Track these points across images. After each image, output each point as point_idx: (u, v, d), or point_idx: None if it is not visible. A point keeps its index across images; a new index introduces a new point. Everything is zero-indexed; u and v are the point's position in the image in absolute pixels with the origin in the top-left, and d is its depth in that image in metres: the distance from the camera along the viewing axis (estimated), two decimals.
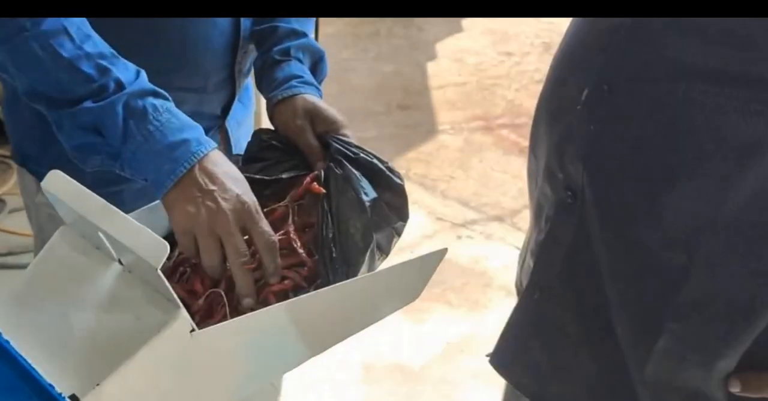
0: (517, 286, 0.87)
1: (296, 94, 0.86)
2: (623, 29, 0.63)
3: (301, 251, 0.76)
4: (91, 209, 0.65)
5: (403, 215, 0.83)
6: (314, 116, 0.86)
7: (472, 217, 2.46)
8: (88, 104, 0.73)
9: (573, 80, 0.69)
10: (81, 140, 0.75)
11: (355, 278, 0.77)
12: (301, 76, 0.89)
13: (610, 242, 0.67)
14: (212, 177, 0.72)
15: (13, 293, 0.70)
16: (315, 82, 0.91)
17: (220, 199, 0.71)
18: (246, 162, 0.86)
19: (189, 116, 0.76)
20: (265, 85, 0.92)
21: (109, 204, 0.64)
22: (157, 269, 0.60)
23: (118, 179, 0.97)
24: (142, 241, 0.61)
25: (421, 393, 1.79)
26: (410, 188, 2.67)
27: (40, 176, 0.98)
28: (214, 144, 0.74)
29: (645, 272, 0.65)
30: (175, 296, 0.63)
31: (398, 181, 0.82)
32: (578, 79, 0.68)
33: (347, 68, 3.26)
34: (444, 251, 0.81)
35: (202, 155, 0.72)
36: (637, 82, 0.63)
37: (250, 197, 0.72)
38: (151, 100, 0.74)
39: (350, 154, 0.82)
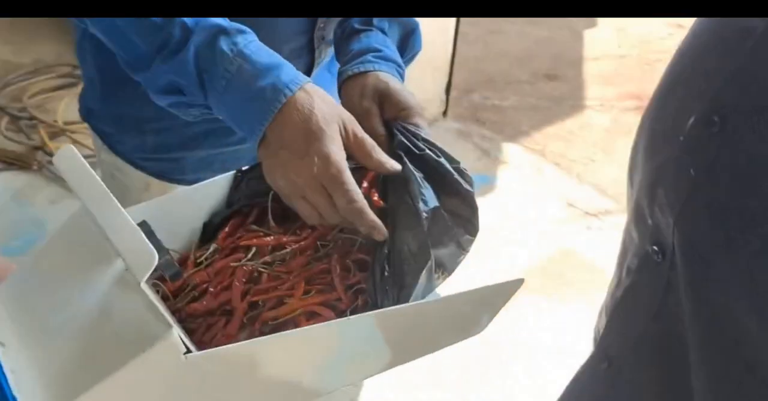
0: (595, 334, 0.71)
1: (368, 71, 0.73)
2: (750, 40, 0.45)
3: (339, 285, 0.64)
4: (92, 197, 0.56)
5: (471, 229, 0.68)
6: (385, 98, 0.72)
7: (606, 207, 2.23)
8: (159, 65, 0.66)
9: (679, 102, 0.51)
10: (169, 101, 0.70)
11: (440, 298, 0.66)
12: (380, 50, 0.75)
13: (704, 333, 0.50)
14: (283, 137, 0.64)
15: (20, 272, 0.64)
16: (397, 59, 0.77)
17: (291, 168, 0.64)
18: None
19: None
20: (340, 57, 0.79)
21: (110, 195, 0.55)
22: (140, 284, 0.50)
23: (181, 145, 0.90)
24: (131, 246, 0.52)
25: None
26: (544, 167, 2.48)
27: (101, 134, 0.92)
28: (296, 82, 0.65)
29: (752, 381, 0.48)
30: (165, 314, 0.53)
31: (467, 187, 0.67)
32: (685, 102, 0.50)
33: (495, 30, 3.05)
34: (520, 281, 0.68)
35: (279, 106, 0.64)
36: (753, 114, 0.45)
37: (323, 155, 0.63)
38: (221, 44, 0.65)
39: (415, 149, 0.68)
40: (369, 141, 0.67)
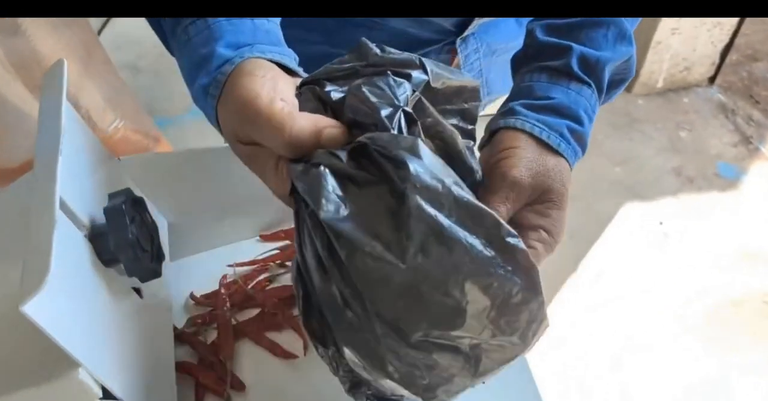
0: None
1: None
2: None
3: None
4: (44, 136, 0.37)
5: None
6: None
7: None
8: None
9: None
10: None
11: None
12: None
13: None
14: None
15: None
16: (577, 112, 0.48)
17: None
18: None
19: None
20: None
21: (58, 142, 0.36)
22: (19, 308, 0.32)
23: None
24: (33, 243, 0.33)
25: None
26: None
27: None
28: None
29: None
30: (73, 354, 0.34)
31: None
32: None
33: None
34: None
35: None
36: None
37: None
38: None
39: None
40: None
